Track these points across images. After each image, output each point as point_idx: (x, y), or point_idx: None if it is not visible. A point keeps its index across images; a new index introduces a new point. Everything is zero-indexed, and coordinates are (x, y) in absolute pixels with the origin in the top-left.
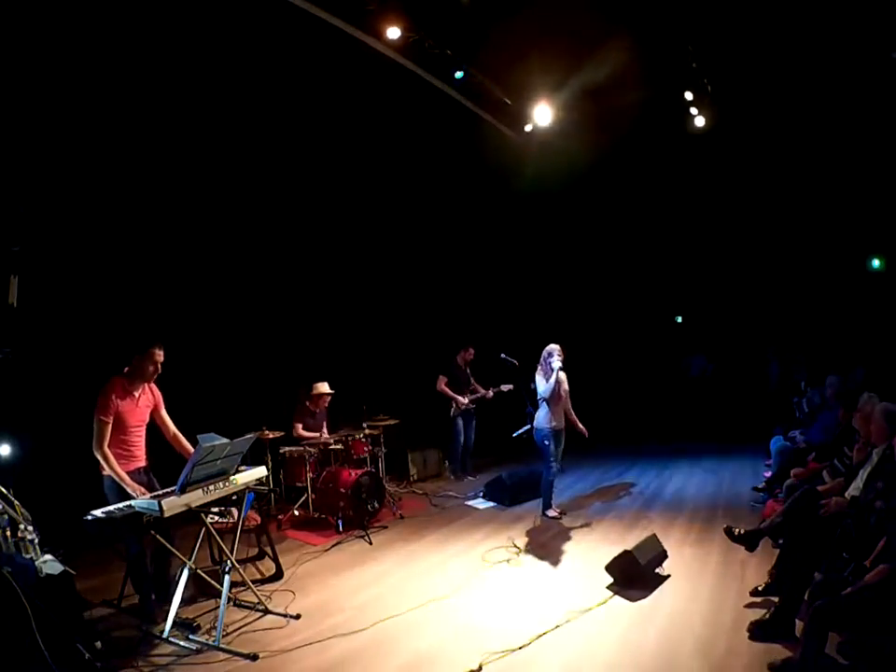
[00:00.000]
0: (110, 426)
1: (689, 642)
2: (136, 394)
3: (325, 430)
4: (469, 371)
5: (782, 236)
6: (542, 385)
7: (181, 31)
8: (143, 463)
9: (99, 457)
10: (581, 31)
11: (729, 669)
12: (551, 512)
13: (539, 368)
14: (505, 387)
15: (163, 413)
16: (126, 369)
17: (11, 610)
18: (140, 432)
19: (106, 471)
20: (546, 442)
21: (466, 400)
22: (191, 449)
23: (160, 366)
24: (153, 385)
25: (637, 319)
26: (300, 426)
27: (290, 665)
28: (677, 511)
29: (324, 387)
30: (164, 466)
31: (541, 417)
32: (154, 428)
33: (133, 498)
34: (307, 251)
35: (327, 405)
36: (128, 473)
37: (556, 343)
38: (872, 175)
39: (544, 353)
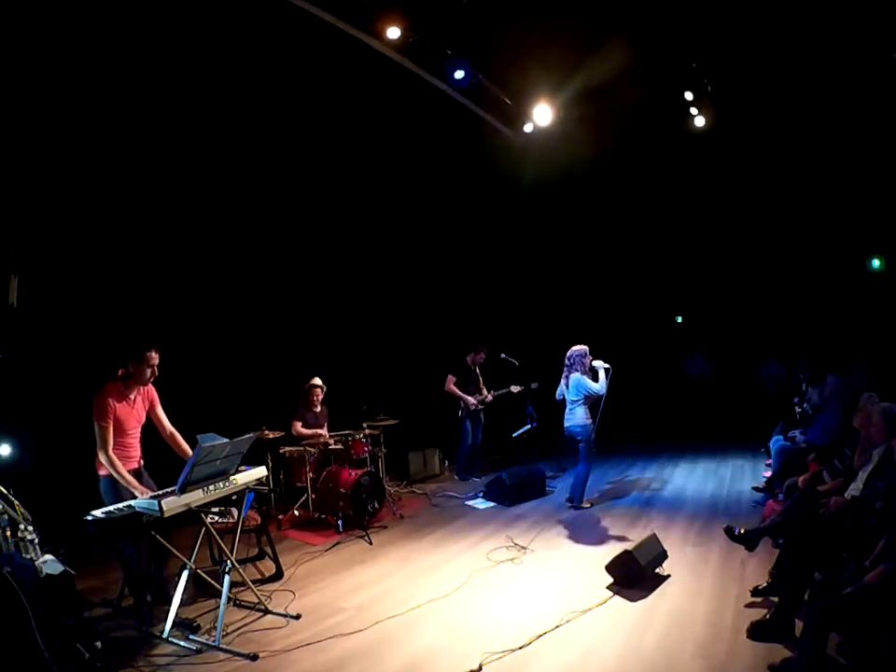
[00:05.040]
0: (111, 429)
1: (689, 642)
2: (132, 396)
3: (325, 429)
4: (478, 372)
5: (782, 236)
6: (592, 385)
7: (181, 31)
8: (137, 465)
9: (104, 461)
10: (581, 31)
11: (729, 669)
12: (585, 504)
13: (575, 369)
14: (515, 388)
15: (159, 410)
16: (120, 372)
17: (11, 610)
18: (137, 433)
19: (104, 472)
20: (593, 437)
21: (475, 401)
22: (188, 448)
23: (156, 368)
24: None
25: (636, 319)
26: (298, 423)
27: (290, 665)
28: (677, 511)
29: (315, 381)
30: (160, 465)
31: (581, 416)
32: (149, 429)
33: (137, 499)
34: (309, 251)
35: (320, 399)
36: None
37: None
38: (871, 175)
39: (577, 353)
